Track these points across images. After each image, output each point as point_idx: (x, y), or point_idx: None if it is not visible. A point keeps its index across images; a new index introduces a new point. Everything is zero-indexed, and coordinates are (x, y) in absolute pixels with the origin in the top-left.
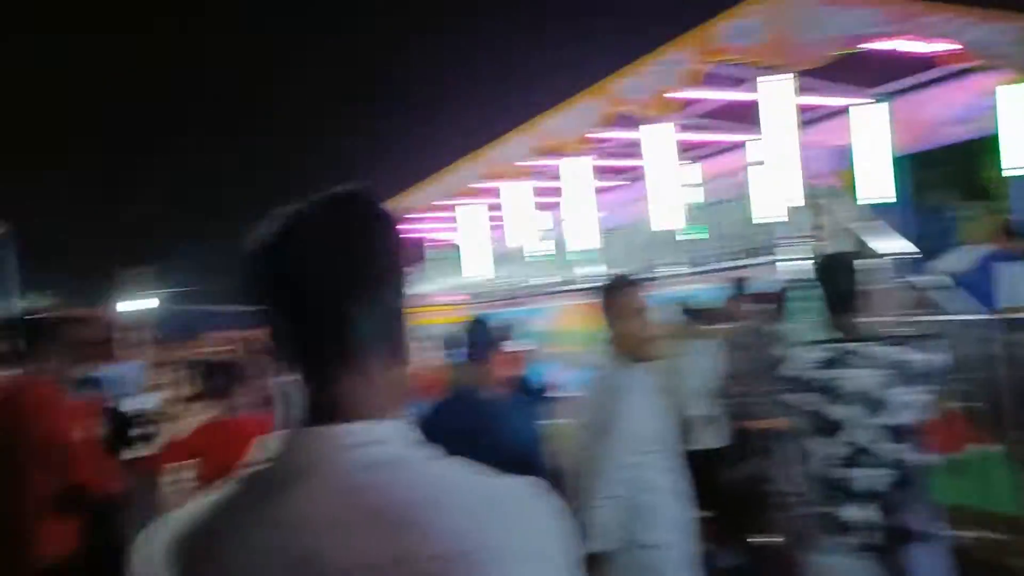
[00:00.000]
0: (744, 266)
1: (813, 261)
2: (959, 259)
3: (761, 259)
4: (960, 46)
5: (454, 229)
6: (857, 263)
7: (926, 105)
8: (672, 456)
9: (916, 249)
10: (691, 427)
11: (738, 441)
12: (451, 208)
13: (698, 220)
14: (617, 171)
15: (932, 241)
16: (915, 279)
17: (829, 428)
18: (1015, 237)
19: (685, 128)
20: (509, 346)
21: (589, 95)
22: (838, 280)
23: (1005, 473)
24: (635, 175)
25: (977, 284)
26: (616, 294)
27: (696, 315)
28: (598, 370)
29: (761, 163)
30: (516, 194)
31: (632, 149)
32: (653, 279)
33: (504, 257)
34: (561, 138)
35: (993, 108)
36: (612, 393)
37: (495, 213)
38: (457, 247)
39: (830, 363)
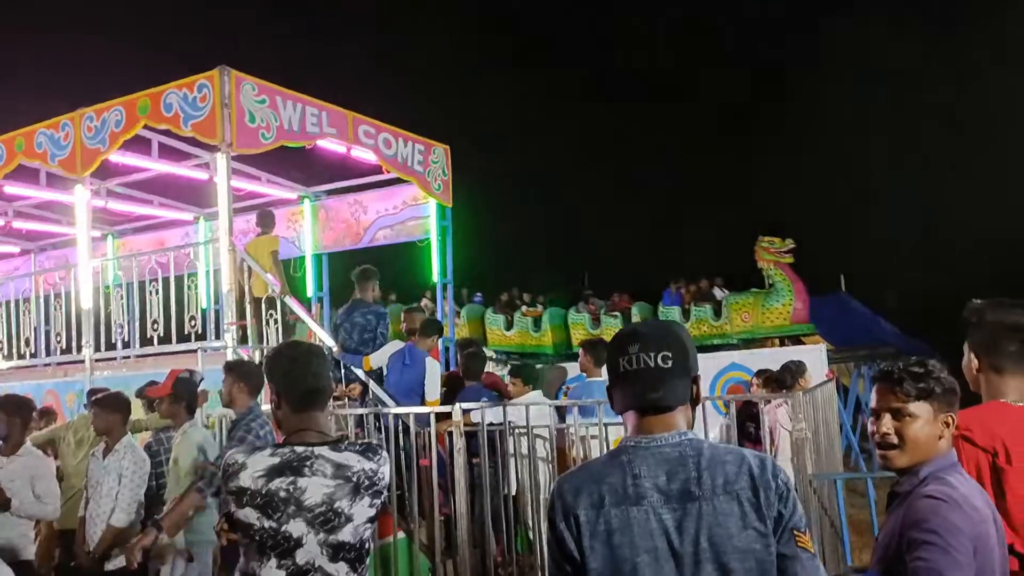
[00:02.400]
0: (170, 352)
1: (264, 353)
2: (383, 354)
3: (189, 345)
4: (382, 156)
5: None
6: (316, 355)
7: (356, 207)
8: None
9: (334, 342)
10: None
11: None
12: None
13: (118, 299)
14: (18, 235)
15: (361, 335)
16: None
17: (282, 547)
18: (434, 335)
19: (110, 196)
20: None
21: None
22: (296, 373)
23: (416, 557)
24: (41, 242)
25: (398, 377)
26: None
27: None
28: None
29: (202, 243)
30: None
31: (38, 212)
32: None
33: None
34: None
35: (418, 218)
36: None
37: None
38: None
39: (281, 471)
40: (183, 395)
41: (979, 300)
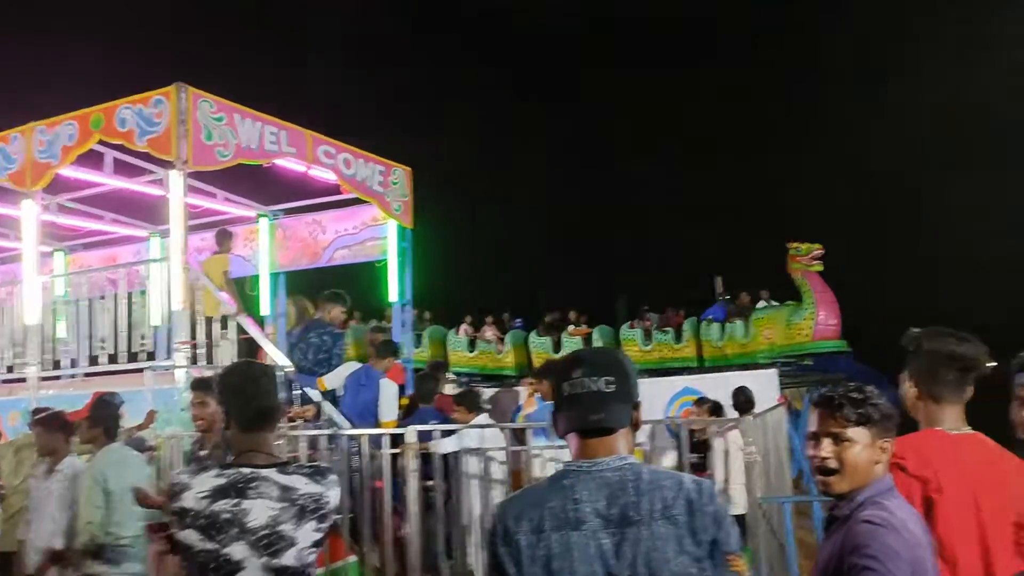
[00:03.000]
0: (118, 371)
1: (218, 372)
2: (339, 375)
3: (138, 364)
4: (342, 177)
5: None
6: (267, 375)
7: (314, 226)
8: None
9: (290, 362)
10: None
11: None
12: None
13: (66, 316)
14: None
15: (316, 355)
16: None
17: (224, 570)
18: (389, 356)
19: (60, 211)
20: None
21: None
22: (247, 393)
23: None
24: None
25: (353, 398)
26: None
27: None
28: None
29: (154, 260)
30: None
31: None
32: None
33: None
34: None
35: (377, 239)
36: None
37: None
38: None
39: (226, 492)
40: (101, 419)
41: (917, 329)
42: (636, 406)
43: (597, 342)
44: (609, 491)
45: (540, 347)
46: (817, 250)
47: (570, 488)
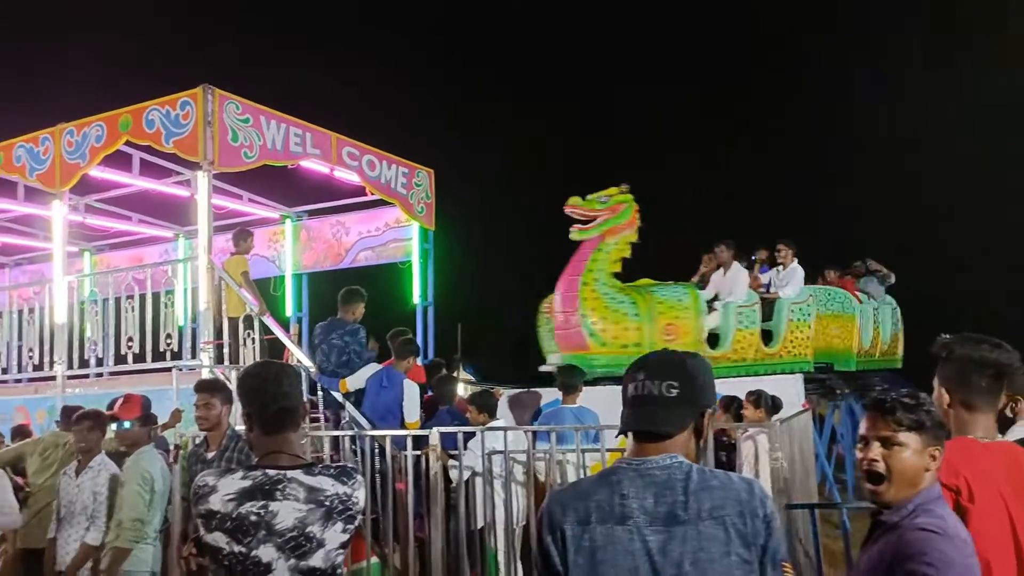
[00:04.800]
0: (145, 370)
1: (239, 373)
2: (360, 377)
3: (164, 364)
4: (365, 178)
5: None
6: (287, 374)
7: (338, 228)
8: None
9: (312, 363)
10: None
11: None
12: None
13: (93, 315)
14: None
15: (339, 357)
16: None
17: (252, 572)
18: (411, 356)
19: (88, 211)
20: None
21: None
22: (267, 394)
23: None
24: (16, 256)
25: (375, 399)
26: None
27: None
28: None
29: (180, 260)
30: None
31: (15, 226)
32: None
33: None
34: None
35: (400, 240)
36: None
37: None
38: None
39: (252, 494)
40: (149, 420)
41: (947, 335)
42: (703, 413)
43: None
44: (656, 489)
45: None
46: (612, 198)
47: (617, 484)
